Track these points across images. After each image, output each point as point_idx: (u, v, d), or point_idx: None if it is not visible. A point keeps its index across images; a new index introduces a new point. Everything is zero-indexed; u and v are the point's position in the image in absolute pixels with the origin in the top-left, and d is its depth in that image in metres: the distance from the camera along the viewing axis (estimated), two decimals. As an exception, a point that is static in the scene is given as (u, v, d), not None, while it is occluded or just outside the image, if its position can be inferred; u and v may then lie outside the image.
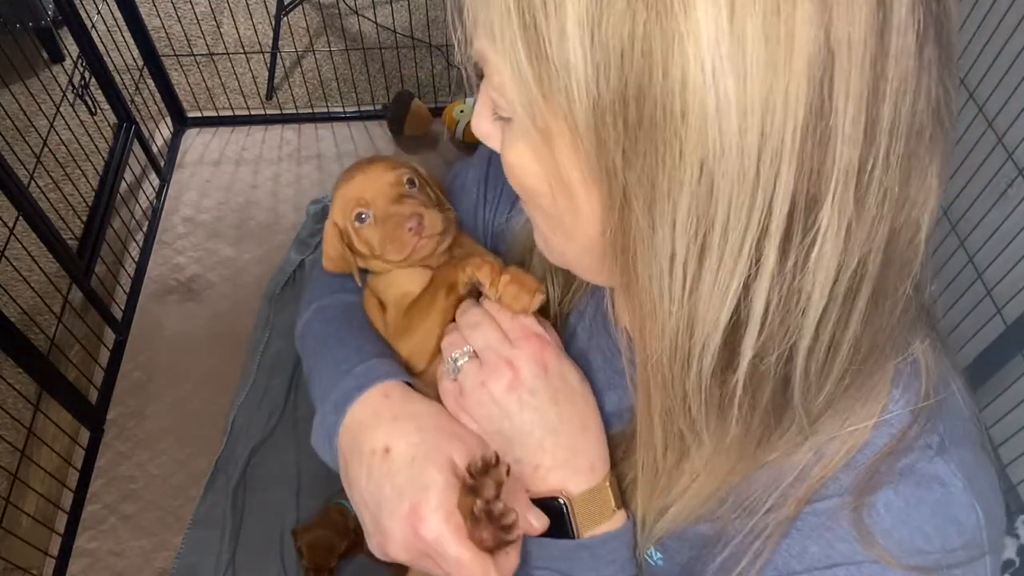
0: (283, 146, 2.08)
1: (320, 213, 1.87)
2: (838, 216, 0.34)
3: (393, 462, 0.49)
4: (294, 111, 2.14)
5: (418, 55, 2.28)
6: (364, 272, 0.64)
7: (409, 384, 0.54)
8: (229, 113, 2.13)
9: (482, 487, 0.45)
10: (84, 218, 1.67)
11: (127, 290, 1.74)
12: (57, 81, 1.73)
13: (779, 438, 0.43)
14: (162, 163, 2.00)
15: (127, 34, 1.88)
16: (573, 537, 0.50)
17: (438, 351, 0.56)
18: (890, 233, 0.36)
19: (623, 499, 0.52)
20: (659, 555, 0.52)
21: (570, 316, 0.59)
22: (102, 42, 1.75)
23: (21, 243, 1.37)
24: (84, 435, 1.51)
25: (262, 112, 2.15)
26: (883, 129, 0.33)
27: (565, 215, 0.42)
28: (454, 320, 0.55)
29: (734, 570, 0.45)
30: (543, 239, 0.47)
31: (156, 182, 1.96)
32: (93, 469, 1.47)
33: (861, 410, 0.43)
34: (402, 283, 0.60)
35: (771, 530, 0.44)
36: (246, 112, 2.13)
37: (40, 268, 1.60)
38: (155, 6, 2.27)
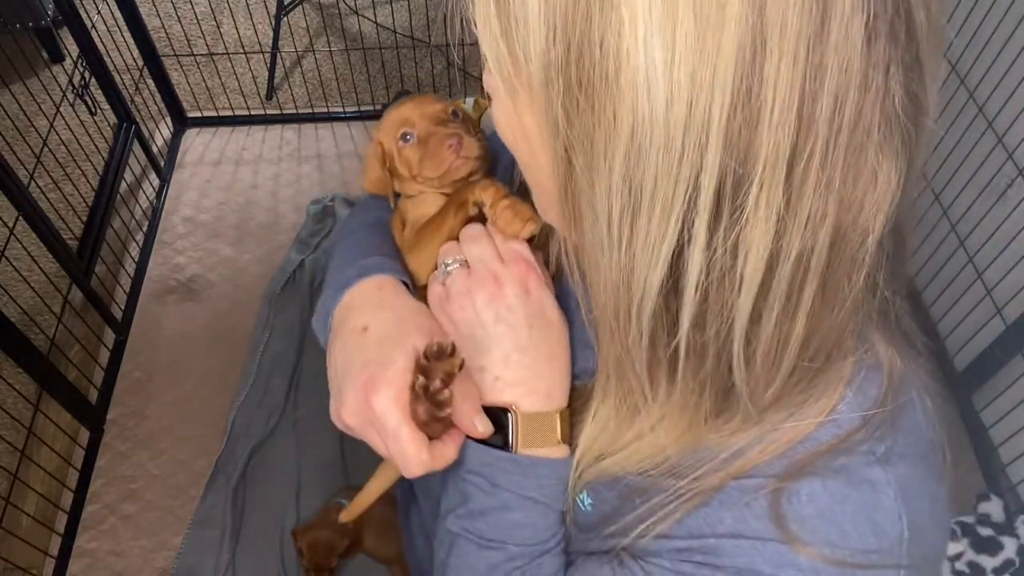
0: (283, 146, 2.08)
1: (320, 213, 1.87)
2: (766, 200, 0.34)
3: (367, 339, 0.53)
4: (294, 111, 2.14)
5: (418, 55, 2.28)
6: (397, 196, 0.69)
7: (404, 284, 0.59)
8: (229, 113, 2.13)
9: (432, 370, 0.48)
10: (84, 218, 1.67)
11: (127, 290, 1.74)
12: (57, 81, 1.73)
13: (725, 422, 0.44)
14: (162, 163, 2.00)
15: (127, 34, 1.88)
16: (510, 451, 0.53)
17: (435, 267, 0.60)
18: (836, 231, 0.36)
19: (568, 440, 0.54)
20: (589, 501, 0.53)
21: (563, 273, 0.61)
22: (102, 42, 1.75)
23: (21, 243, 1.37)
24: (84, 435, 1.51)
25: (262, 112, 2.15)
26: (820, 120, 0.33)
27: (532, 168, 0.44)
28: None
29: (647, 521, 0.47)
30: (530, 192, 0.49)
31: (156, 182, 1.96)
32: (93, 469, 1.47)
33: (810, 406, 0.44)
34: (425, 205, 0.64)
35: (692, 496, 0.46)
36: (246, 112, 2.13)
37: (40, 268, 1.60)
38: (155, 6, 2.26)
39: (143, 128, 1.92)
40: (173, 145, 2.07)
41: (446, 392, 0.48)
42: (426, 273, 0.61)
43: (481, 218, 0.60)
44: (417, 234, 0.63)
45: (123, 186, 1.82)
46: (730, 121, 0.33)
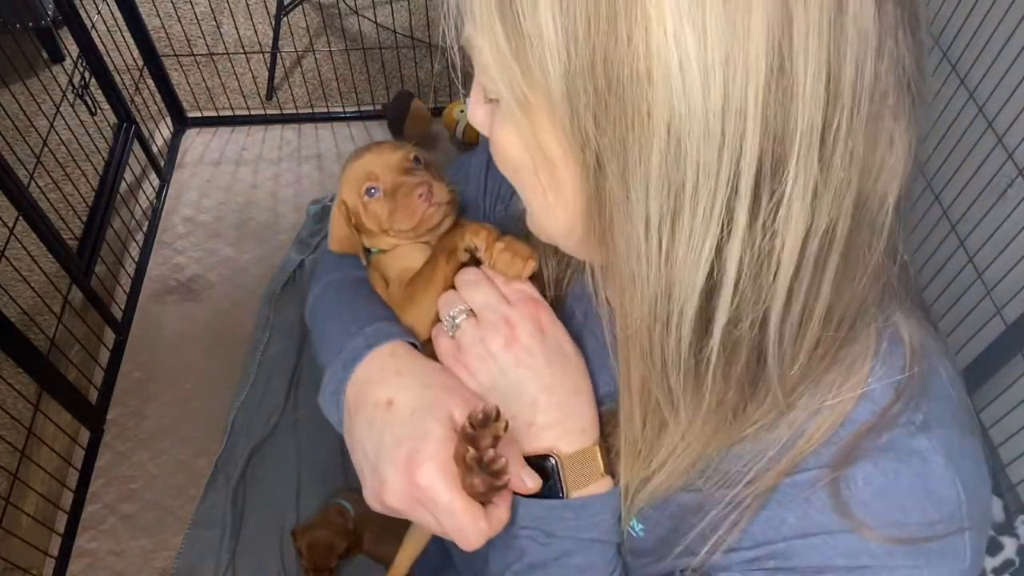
0: (283, 146, 2.08)
1: (320, 213, 1.87)
2: (803, 176, 0.34)
3: (395, 413, 0.51)
4: (294, 111, 2.14)
5: (418, 55, 2.28)
6: (368, 252, 0.66)
7: (414, 345, 0.56)
8: (229, 113, 2.13)
9: (480, 438, 0.46)
10: (84, 218, 1.67)
11: (127, 290, 1.74)
12: (57, 81, 1.73)
13: (755, 410, 0.43)
14: (162, 163, 2.00)
15: (127, 34, 1.88)
16: (561, 497, 0.51)
17: (438, 320, 0.57)
18: (858, 198, 0.36)
19: (610, 469, 0.53)
20: (640, 527, 0.52)
21: (567, 297, 0.60)
22: (102, 42, 1.75)
23: (21, 243, 1.37)
24: (84, 435, 1.51)
25: (262, 112, 2.15)
26: (845, 90, 0.33)
27: (549, 191, 0.42)
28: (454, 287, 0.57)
29: (711, 538, 0.46)
30: (532, 220, 0.47)
31: (156, 182, 1.96)
32: (93, 469, 1.47)
33: (841, 384, 0.43)
34: (405, 258, 0.62)
35: (750, 501, 0.45)
36: (246, 112, 2.13)
37: (40, 268, 1.60)
38: (155, 6, 2.26)
39: (143, 128, 1.92)
40: (173, 145, 2.07)
41: (502, 460, 0.45)
42: (425, 328, 0.58)
43: (474, 262, 0.58)
44: (407, 288, 0.60)
45: (123, 186, 1.82)
46: (766, 101, 0.33)
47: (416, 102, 2.05)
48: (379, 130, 2.11)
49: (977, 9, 1.56)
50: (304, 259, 1.77)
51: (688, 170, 0.34)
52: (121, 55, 1.85)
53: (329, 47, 2.32)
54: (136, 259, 1.80)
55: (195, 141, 2.09)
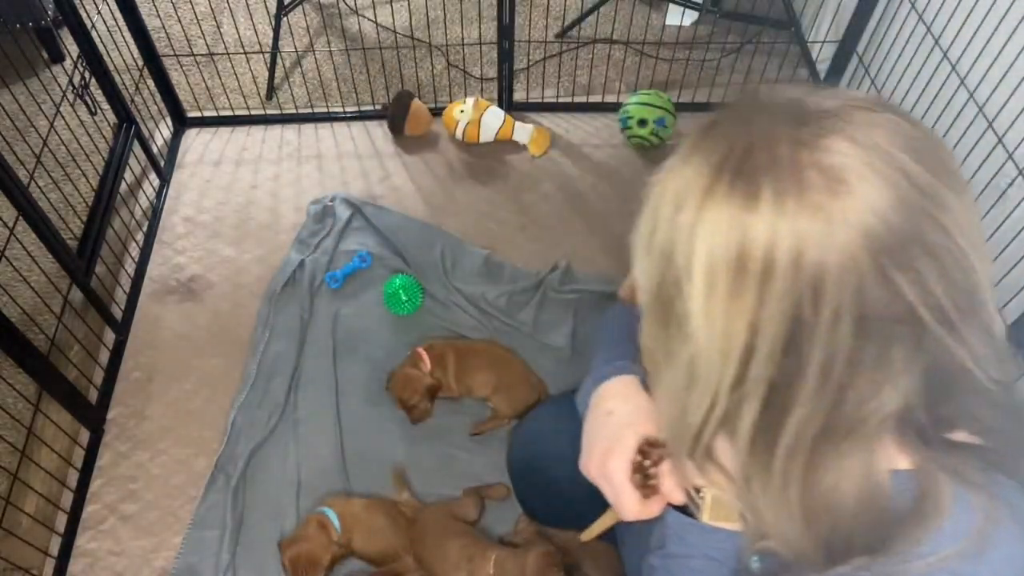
0: (283, 146, 2.08)
1: (320, 213, 1.87)
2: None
3: (611, 421, 0.79)
4: (294, 111, 2.14)
5: (418, 55, 2.28)
6: None
7: (642, 381, 0.81)
8: (229, 113, 2.13)
9: (649, 453, 0.73)
10: (84, 218, 1.67)
11: (127, 290, 1.74)
12: (57, 81, 1.73)
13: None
14: (162, 163, 2.00)
15: (127, 34, 1.87)
16: (696, 519, 0.70)
17: None
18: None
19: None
20: (758, 564, 0.66)
21: None
22: (102, 42, 1.75)
23: (21, 243, 1.37)
24: (84, 435, 1.51)
25: (262, 112, 2.15)
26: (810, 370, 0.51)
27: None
28: None
29: None
30: None
31: (156, 182, 1.96)
32: (93, 469, 1.47)
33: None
34: None
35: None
36: (246, 112, 2.13)
37: (40, 268, 1.60)
38: (155, 6, 2.27)
39: (143, 128, 1.92)
40: (173, 145, 2.07)
41: (653, 469, 0.71)
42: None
43: None
44: None
45: (123, 186, 1.82)
46: (740, 370, 0.54)
47: (416, 102, 2.05)
48: (379, 130, 2.11)
49: (977, 9, 1.56)
50: (304, 259, 1.77)
51: (698, 378, 0.56)
52: (121, 55, 1.85)
53: (329, 47, 2.32)
54: (136, 259, 1.80)
55: (195, 141, 2.09)
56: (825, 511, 0.56)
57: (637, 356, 0.80)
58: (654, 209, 0.57)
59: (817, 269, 0.49)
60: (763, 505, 0.60)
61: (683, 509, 0.71)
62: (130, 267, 1.77)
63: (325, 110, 2.16)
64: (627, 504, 0.73)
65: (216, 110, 2.13)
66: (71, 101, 1.64)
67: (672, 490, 0.71)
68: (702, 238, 0.51)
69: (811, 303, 0.49)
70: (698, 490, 0.69)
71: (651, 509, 0.73)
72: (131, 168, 1.87)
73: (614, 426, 0.77)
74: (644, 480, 0.72)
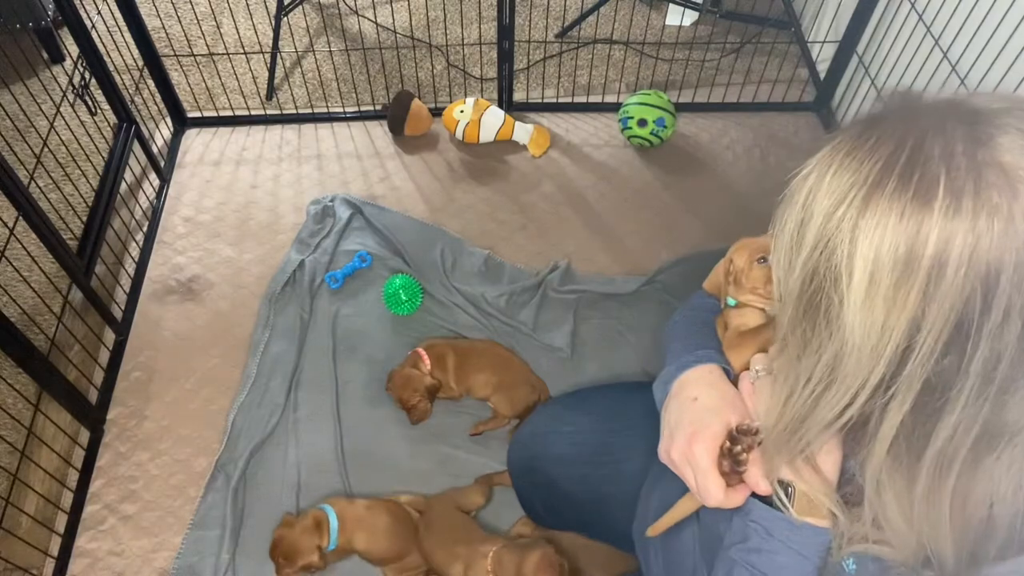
0: (283, 146, 2.08)
1: (320, 213, 1.87)
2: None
3: (696, 406, 0.78)
4: (294, 111, 2.14)
5: (418, 55, 2.28)
6: (726, 302, 0.89)
7: (726, 370, 0.82)
8: (229, 113, 2.13)
9: (738, 440, 0.72)
10: (84, 218, 1.67)
11: (127, 290, 1.74)
12: (57, 81, 1.73)
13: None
14: (162, 163, 2.00)
15: (127, 34, 1.87)
16: (784, 514, 0.69)
17: (748, 368, 0.80)
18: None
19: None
20: (853, 565, 0.66)
21: None
22: (102, 42, 1.75)
23: (21, 243, 1.37)
24: (84, 435, 1.51)
25: (262, 112, 2.15)
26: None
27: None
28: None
29: None
30: None
31: (156, 182, 1.96)
32: (93, 469, 1.47)
33: None
34: (745, 317, 0.85)
35: None
36: (246, 112, 2.13)
37: (40, 268, 1.60)
38: (155, 6, 2.27)
39: (143, 128, 1.92)
40: (173, 145, 2.07)
41: (744, 455, 0.70)
42: (739, 365, 0.82)
43: None
44: (739, 337, 0.83)
45: (123, 186, 1.82)
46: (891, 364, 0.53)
47: (416, 102, 2.05)
48: (379, 130, 2.11)
49: (977, 9, 1.56)
50: (304, 259, 1.77)
51: (841, 372, 0.55)
52: (121, 55, 1.85)
53: (329, 47, 2.32)
54: (136, 259, 1.80)
55: (195, 141, 2.09)
56: (980, 520, 0.55)
57: (719, 347, 0.85)
58: (806, 202, 0.55)
59: (992, 268, 0.48)
60: (895, 512, 0.58)
61: (766, 503, 0.70)
62: (130, 267, 1.77)
63: (325, 110, 2.16)
64: (712, 489, 0.72)
65: (216, 110, 2.13)
66: (71, 101, 1.64)
67: (758, 480, 0.70)
68: (867, 234, 0.50)
69: (981, 302, 0.48)
70: (785, 484, 0.69)
71: (735, 498, 0.72)
72: (131, 168, 1.87)
73: (700, 411, 0.77)
74: (734, 465, 0.71)
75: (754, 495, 0.72)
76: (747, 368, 0.79)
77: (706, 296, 0.95)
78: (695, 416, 0.76)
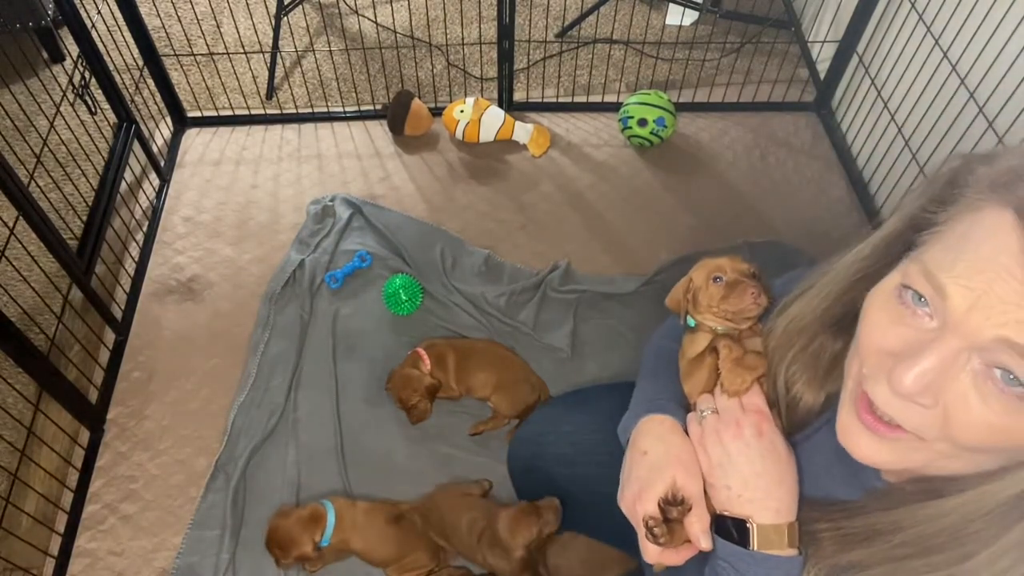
0: (283, 146, 2.08)
1: (320, 213, 1.88)
2: None
3: (644, 462, 0.80)
4: (294, 111, 2.14)
5: (418, 55, 2.28)
6: (686, 322, 0.90)
7: (681, 423, 0.81)
8: (229, 113, 2.13)
9: (668, 512, 0.74)
10: (84, 218, 1.67)
11: (127, 290, 1.74)
12: (57, 81, 1.73)
13: None
14: (162, 163, 2.00)
15: (127, 34, 1.87)
16: (748, 549, 0.71)
17: (698, 396, 0.81)
18: None
19: (796, 544, 0.70)
20: None
21: (816, 434, 0.79)
22: (102, 42, 1.75)
23: (21, 243, 1.37)
24: (84, 435, 1.51)
25: (262, 112, 2.15)
26: None
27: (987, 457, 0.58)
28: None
29: None
30: (948, 427, 0.58)
31: (156, 182, 1.96)
32: (93, 469, 1.47)
33: None
34: (695, 344, 0.85)
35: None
36: (246, 112, 2.13)
37: (40, 268, 1.61)
38: (155, 6, 2.27)
39: (143, 128, 1.92)
40: (173, 145, 2.07)
41: (658, 531, 0.74)
42: (693, 395, 0.83)
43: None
44: (689, 367, 0.85)
45: (123, 186, 1.82)
46: None
47: (416, 102, 2.05)
48: (379, 130, 2.11)
49: (977, 9, 1.56)
50: (304, 259, 1.77)
51: None
52: (121, 55, 1.85)
53: (329, 47, 2.32)
54: (136, 259, 1.80)
55: (195, 141, 2.09)
56: None
57: (675, 390, 0.87)
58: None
59: None
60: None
61: (731, 537, 0.73)
62: (130, 267, 1.77)
63: (325, 110, 2.16)
64: (649, 551, 0.76)
65: (216, 110, 2.13)
66: (71, 101, 1.64)
67: (696, 536, 0.74)
68: None
69: None
70: (745, 520, 0.71)
71: (671, 558, 0.76)
72: (131, 168, 1.87)
73: (647, 467, 0.79)
74: (653, 538, 0.74)
75: (719, 533, 0.73)
76: (699, 399, 0.81)
77: (673, 326, 0.96)
78: (642, 472, 0.79)
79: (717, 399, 0.77)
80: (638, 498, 0.76)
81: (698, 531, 0.73)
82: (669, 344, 0.94)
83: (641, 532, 0.75)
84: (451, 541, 1.32)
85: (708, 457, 0.75)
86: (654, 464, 0.78)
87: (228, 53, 2.17)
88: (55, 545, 1.37)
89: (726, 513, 0.73)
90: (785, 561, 0.69)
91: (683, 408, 0.84)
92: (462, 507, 1.32)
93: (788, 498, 0.71)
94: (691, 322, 0.88)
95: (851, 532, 0.67)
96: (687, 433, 0.80)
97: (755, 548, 0.70)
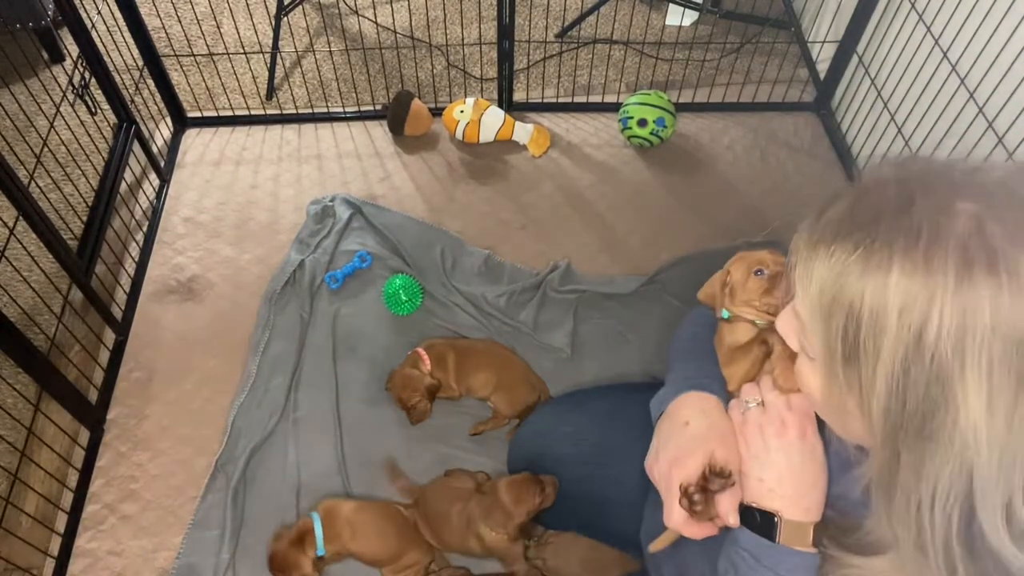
0: (283, 146, 2.08)
1: (320, 213, 1.87)
2: None
3: (685, 432, 0.81)
4: (294, 111, 2.14)
5: (418, 55, 2.28)
6: (721, 315, 0.90)
7: (720, 400, 0.84)
8: (229, 113, 2.13)
9: (711, 481, 0.75)
10: (84, 218, 1.67)
11: (127, 290, 1.74)
12: (57, 81, 1.73)
13: None
14: (162, 163, 2.00)
15: (127, 34, 1.87)
16: (773, 541, 0.73)
17: (740, 384, 0.82)
18: None
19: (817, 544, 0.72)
20: None
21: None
22: (102, 42, 1.75)
23: (21, 243, 1.37)
24: (84, 435, 1.51)
25: (262, 112, 2.15)
26: None
27: (834, 420, 0.67)
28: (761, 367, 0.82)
29: None
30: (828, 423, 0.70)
31: (156, 182, 1.96)
32: (93, 469, 1.47)
33: None
34: (736, 333, 0.86)
35: None
36: (246, 112, 2.13)
37: (40, 268, 1.60)
38: (155, 6, 2.27)
39: (143, 128, 1.92)
40: (173, 145, 2.07)
41: (697, 497, 0.75)
42: (733, 381, 0.84)
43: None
44: (732, 354, 0.85)
45: (123, 186, 1.82)
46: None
47: (416, 102, 2.05)
48: (379, 130, 2.11)
49: (977, 9, 1.56)
50: (304, 259, 1.77)
51: (975, 487, 0.53)
52: (121, 55, 1.85)
53: (329, 47, 2.32)
54: (136, 259, 1.80)
55: (195, 141, 2.09)
56: None
57: (717, 372, 0.88)
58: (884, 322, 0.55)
59: None
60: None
61: (755, 528, 0.74)
62: (130, 267, 1.77)
63: (325, 110, 2.16)
64: (675, 516, 0.77)
65: (216, 110, 2.13)
66: (71, 101, 1.64)
67: (728, 513, 0.75)
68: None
69: None
70: (773, 514, 0.72)
71: (695, 530, 0.77)
72: (131, 168, 1.87)
73: (688, 437, 0.80)
74: (690, 506, 0.75)
75: (743, 522, 0.75)
76: (744, 384, 0.80)
77: (704, 315, 0.97)
78: (682, 441, 0.80)
79: (765, 393, 0.77)
80: (675, 463, 0.78)
81: (728, 508, 0.75)
82: (702, 331, 0.95)
83: (672, 497, 0.77)
84: (442, 533, 1.31)
85: (747, 446, 0.76)
86: (696, 435, 0.79)
87: (228, 53, 2.17)
88: (55, 545, 1.37)
89: (753, 504, 0.74)
90: (810, 557, 0.71)
91: (726, 391, 0.85)
92: (452, 498, 1.32)
93: (819, 500, 0.73)
94: (725, 314, 0.89)
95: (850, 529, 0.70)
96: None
97: (780, 542, 0.72)
